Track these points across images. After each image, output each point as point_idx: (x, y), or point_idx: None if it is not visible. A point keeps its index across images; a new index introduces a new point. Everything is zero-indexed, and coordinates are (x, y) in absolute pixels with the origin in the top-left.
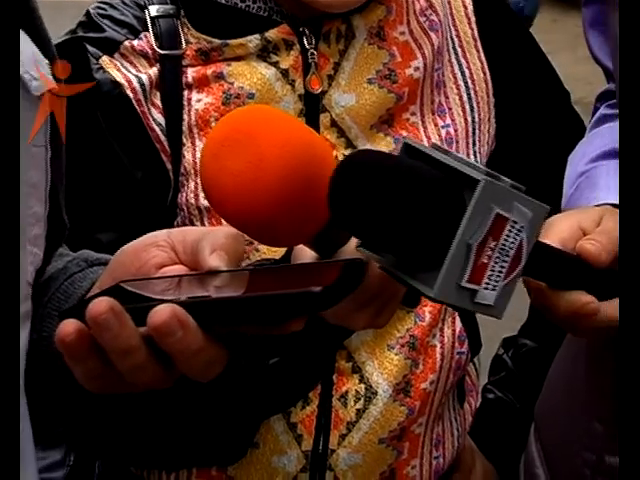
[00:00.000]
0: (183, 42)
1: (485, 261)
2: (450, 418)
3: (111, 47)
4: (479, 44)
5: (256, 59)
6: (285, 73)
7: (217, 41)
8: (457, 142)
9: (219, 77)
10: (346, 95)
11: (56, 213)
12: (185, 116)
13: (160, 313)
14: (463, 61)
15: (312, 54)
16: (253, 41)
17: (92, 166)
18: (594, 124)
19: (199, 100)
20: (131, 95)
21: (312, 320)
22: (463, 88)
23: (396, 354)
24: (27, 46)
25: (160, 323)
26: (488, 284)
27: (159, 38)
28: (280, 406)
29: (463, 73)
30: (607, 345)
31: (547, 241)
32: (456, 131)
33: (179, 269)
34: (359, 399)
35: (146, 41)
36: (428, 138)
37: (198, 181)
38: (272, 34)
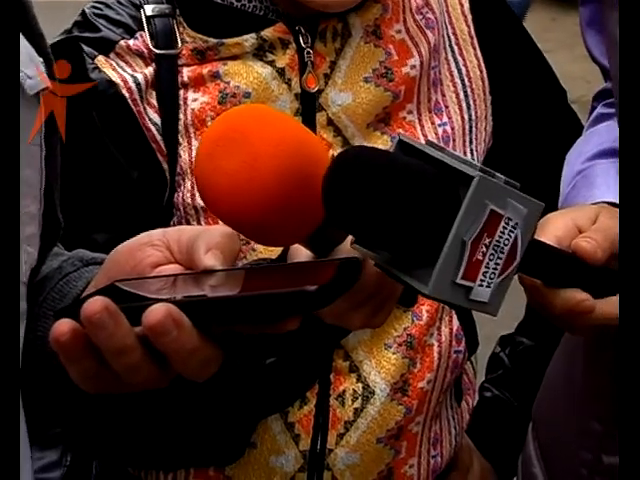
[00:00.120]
0: (179, 41)
1: (480, 258)
2: (448, 417)
3: (107, 47)
4: (475, 42)
5: (252, 58)
6: (281, 72)
7: (213, 40)
8: (454, 140)
9: (215, 76)
10: (342, 94)
11: (51, 212)
12: (181, 115)
13: (155, 312)
14: (460, 59)
15: (308, 53)
16: (249, 40)
17: (88, 166)
18: (591, 123)
19: (195, 99)
20: (127, 95)
21: (308, 320)
22: (460, 86)
23: (393, 353)
24: (21, 45)
25: (155, 322)
26: (483, 281)
27: (155, 37)
28: (277, 406)
29: (460, 71)
30: (604, 345)
31: (543, 239)
32: (453, 129)
33: (174, 268)
34: (357, 398)
35: (142, 40)
36: (425, 136)
37: (194, 180)
38: (268, 33)
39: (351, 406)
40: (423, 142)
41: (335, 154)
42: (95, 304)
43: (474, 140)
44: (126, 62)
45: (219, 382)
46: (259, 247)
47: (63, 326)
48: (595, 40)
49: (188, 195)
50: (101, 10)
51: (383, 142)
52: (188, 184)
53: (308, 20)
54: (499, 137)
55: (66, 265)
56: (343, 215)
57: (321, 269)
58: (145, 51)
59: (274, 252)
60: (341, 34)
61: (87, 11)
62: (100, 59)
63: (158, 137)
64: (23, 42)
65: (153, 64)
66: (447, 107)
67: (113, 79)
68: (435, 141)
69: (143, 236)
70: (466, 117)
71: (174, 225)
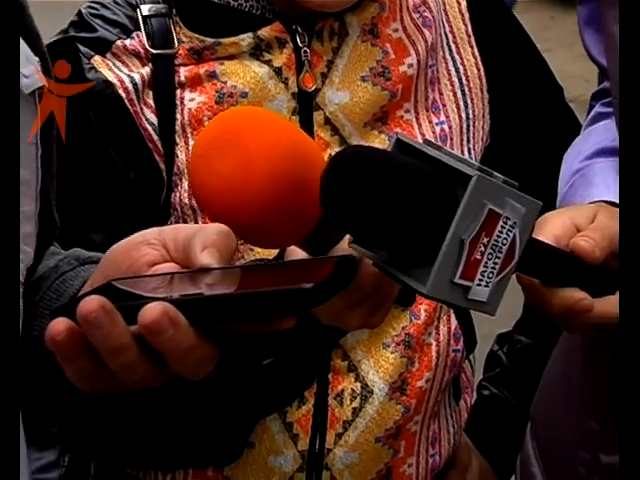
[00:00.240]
0: (175, 41)
1: (478, 257)
2: (446, 415)
3: (103, 47)
4: (473, 40)
5: (249, 57)
6: (278, 71)
7: (210, 40)
8: (451, 139)
9: (212, 76)
10: (340, 93)
11: (47, 211)
12: (178, 115)
13: (151, 311)
14: (457, 57)
15: (305, 52)
16: (246, 40)
17: (84, 166)
18: (589, 122)
19: (192, 99)
20: (123, 95)
21: (305, 320)
22: (457, 84)
23: (392, 352)
24: None
25: (151, 321)
26: (481, 280)
27: (151, 37)
28: (276, 406)
29: (457, 69)
30: (602, 344)
31: (541, 237)
32: (450, 128)
33: (170, 267)
34: (355, 398)
35: (138, 40)
36: (422, 135)
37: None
38: (265, 32)
39: (349, 406)
40: (421, 141)
41: (332, 153)
42: (91, 303)
43: (471, 139)
44: (123, 62)
45: (217, 382)
46: (257, 247)
47: (59, 325)
48: (593, 39)
49: (185, 195)
50: (97, 10)
51: (380, 141)
52: (185, 184)
53: (305, 19)
54: (497, 136)
55: (62, 264)
56: (341, 214)
57: (318, 267)
58: (142, 51)
59: (272, 252)
60: (338, 33)
61: (83, 11)
62: (97, 59)
63: (155, 137)
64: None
65: (150, 64)
66: (444, 106)
67: (110, 79)
68: (432, 140)
69: (139, 235)
70: (463, 116)
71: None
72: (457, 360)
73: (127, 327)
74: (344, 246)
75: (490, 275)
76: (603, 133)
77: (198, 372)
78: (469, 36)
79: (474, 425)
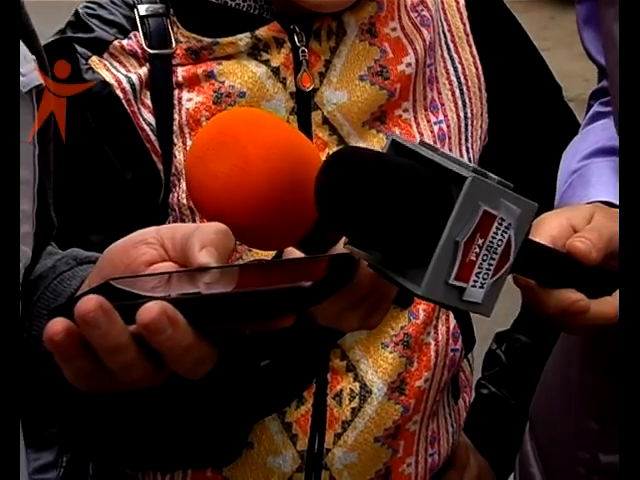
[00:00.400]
0: (173, 41)
1: (473, 258)
2: (445, 415)
3: (100, 47)
4: (471, 39)
5: (247, 57)
6: (276, 71)
7: (207, 40)
8: (449, 138)
9: (210, 76)
10: (338, 92)
11: (44, 211)
12: (176, 115)
13: (149, 310)
14: (455, 56)
15: (303, 52)
16: (243, 39)
17: (82, 167)
18: (587, 121)
19: (190, 99)
20: (121, 95)
21: (304, 322)
22: (455, 83)
23: (390, 352)
24: None
25: (149, 321)
26: (476, 282)
27: (149, 37)
28: (274, 407)
29: (455, 68)
30: (600, 344)
31: (537, 238)
32: (449, 127)
33: (168, 266)
34: (354, 398)
35: (135, 41)
36: (421, 134)
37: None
38: (262, 32)
39: (348, 406)
40: (418, 141)
41: (331, 152)
42: (89, 302)
43: (470, 138)
44: (120, 62)
45: (215, 382)
46: None
47: (57, 325)
48: (592, 37)
49: (183, 195)
50: (94, 10)
51: (379, 140)
52: (183, 184)
53: (303, 19)
54: (495, 135)
55: (60, 264)
56: (336, 216)
57: (316, 265)
58: (139, 51)
59: (270, 253)
60: (336, 33)
61: (80, 11)
62: (94, 59)
63: (152, 137)
64: None
65: (147, 64)
66: (443, 105)
67: (107, 80)
68: (431, 139)
69: (137, 234)
70: (462, 115)
71: None
72: (456, 360)
73: (125, 326)
74: (341, 247)
75: (485, 276)
76: (601, 132)
77: (197, 371)
78: (467, 35)
79: (473, 424)
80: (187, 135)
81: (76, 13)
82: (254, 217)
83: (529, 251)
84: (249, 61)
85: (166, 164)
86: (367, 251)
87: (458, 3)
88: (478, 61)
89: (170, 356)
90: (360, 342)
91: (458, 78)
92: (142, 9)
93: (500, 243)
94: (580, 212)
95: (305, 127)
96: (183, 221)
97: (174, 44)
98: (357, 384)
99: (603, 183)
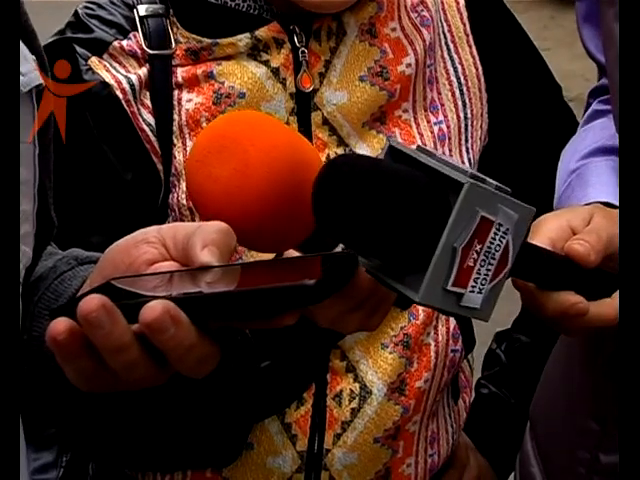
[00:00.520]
0: (172, 42)
1: (471, 264)
2: (445, 415)
3: (100, 48)
4: (471, 39)
5: (246, 58)
6: (276, 72)
7: (207, 40)
8: (449, 139)
9: (209, 77)
10: (338, 93)
11: (44, 211)
12: (175, 116)
13: (152, 309)
14: (455, 57)
15: (303, 52)
16: (243, 40)
17: (82, 168)
18: (586, 120)
19: (189, 100)
20: (120, 96)
21: (304, 323)
22: (455, 84)
23: (390, 353)
24: None
25: (152, 319)
26: (474, 287)
27: (148, 38)
28: (274, 408)
29: (455, 69)
30: (600, 344)
31: (536, 240)
32: (448, 127)
33: (170, 265)
34: (354, 398)
35: (135, 41)
36: (420, 135)
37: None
38: (262, 32)
39: (348, 406)
40: (419, 141)
41: (331, 154)
42: (91, 302)
43: (470, 138)
44: (119, 63)
45: (216, 383)
46: None
47: (60, 325)
48: (591, 34)
49: (183, 196)
50: (94, 10)
51: (379, 141)
52: (183, 185)
53: (302, 19)
54: (495, 135)
55: (60, 264)
56: (333, 225)
57: (317, 263)
58: (139, 51)
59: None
60: (336, 33)
61: (80, 11)
62: (93, 60)
63: (152, 138)
64: None
65: (147, 65)
66: (443, 105)
67: (107, 80)
68: (431, 139)
69: (138, 234)
70: (462, 115)
71: None
72: (456, 360)
73: (128, 326)
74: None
75: (483, 282)
76: (600, 131)
77: (199, 370)
78: (467, 35)
79: (473, 424)
80: (187, 136)
81: (76, 13)
82: (255, 220)
83: (528, 254)
84: (249, 62)
85: (166, 165)
86: (365, 257)
87: (458, 3)
88: (478, 61)
89: (173, 355)
90: (360, 343)
91: (458, 78)
92: (142, 9)
93: (498, 248)
94: (579, 214)
95: (305, 128)
96: (183, 221)
97: (174, 44)
98: (357, 385)
99: (602, 183)
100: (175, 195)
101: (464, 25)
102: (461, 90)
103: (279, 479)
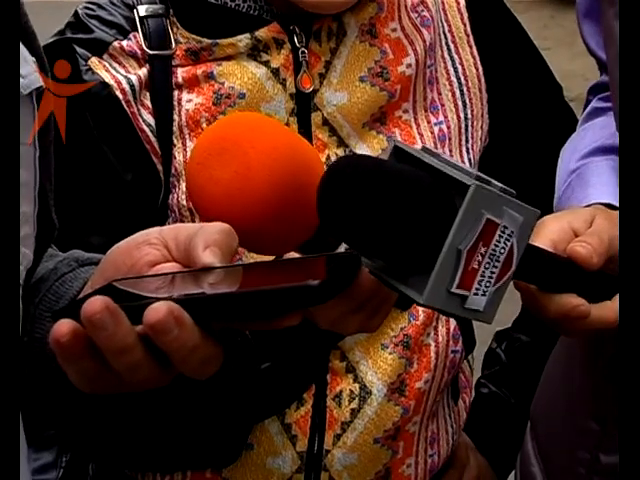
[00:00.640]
0: (172, 42)
1: (475, 267)
2: (445, 415)
3: (100, 48)
4: (472, 39)
5: (246, 58)
6: (276, 72)
7: (207, 41)
8: (450, 139)
9: (209, 77)
10: (338, 93)
11: (45, 213)
12: (175, 116)
13: (156, 310)
14: (456, 57)
15: (303, 53)
16: (243, 40)
17: (82, 168)
18: (586, 117)
19: (189, 100)
20: (120, 96)
21: (304, 325)
22: (456, 84)
23: (390, 353)
24: None
25: (156, 321)
26: (478, 290)
27: (148, 38)
28: (274, 409)
29: (456, 69)
30: (601, 345)
31: (538, 242)
32: (449, 128)
33: (172, 266)
34: (353, 399)
35: (135, 41)
36: (421, 135)
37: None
38: (262, 33)
39: (348, 407)
40: (419, 142)
41: (331, 154)
42: (95, 304)
43: (470, 139)
44: (119, 63)
45: (216, 384)
46: None
47: (63, 327)
48: (591, 31)
49: (183, 197)
50: (94, 11)
51: (379, 141)
52: (183, 186)
53: (303, 20)
54: (496, 135)
55: (61, 266)
56: (338, 225)
57: (320, 264)
58: (139, 52)
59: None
60: (336, 33)
61: (80, 12)
62: (93, 60)
63: (152, 138)
64: None
65: (147, 65)
66: (443, 106)
67: (107, 80)
68: (431, 140)
69: (140, 235)
70: (462, 116)
71: None
72: (456, 361)
73: (132, 327)
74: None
75: (487, 284)
76: (600, 130)
77: (203, 371)
78: (468, 35)
79: (473, 423)
80: (187, 136)
81: (75, 14)
82: (256, 222)
83: (530, 256)
84: (249, 62)
85: (166, 165)
86: (369, 258)
87: (459, 4)
88: (479, 62)
89: (176, 356)
90: (360, 343)
91: (458, 79)
92: (142, 10)
93: (503, 251)
94: (581, 215)
95: (305, 128)
96: (183, 222)
97: (174, 45)
98: (357, 385)
99: (603, 183)
100: (175, 196)
101: (464, 25)
102: (461, 90)
103: (279, 479)
